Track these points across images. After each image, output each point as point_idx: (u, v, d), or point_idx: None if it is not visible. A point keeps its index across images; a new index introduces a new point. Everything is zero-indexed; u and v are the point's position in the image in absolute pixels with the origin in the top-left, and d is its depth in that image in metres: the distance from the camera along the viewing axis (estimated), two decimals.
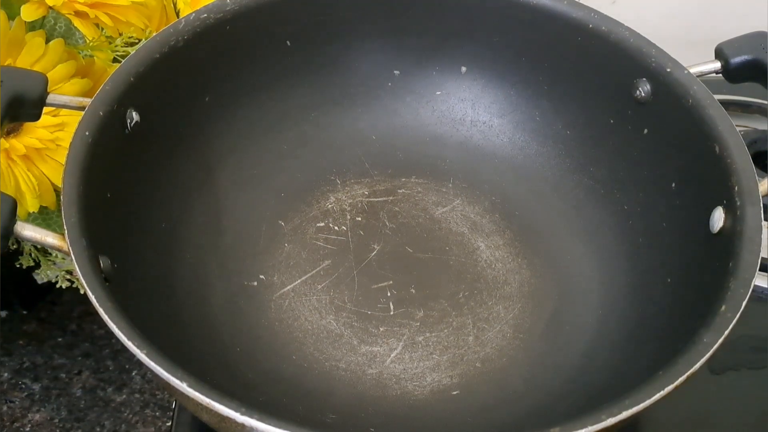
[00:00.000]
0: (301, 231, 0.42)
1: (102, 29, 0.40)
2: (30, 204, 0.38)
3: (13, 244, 0.41)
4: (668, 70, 0.37)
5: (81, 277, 0.29)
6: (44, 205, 0.39)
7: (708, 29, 0.47)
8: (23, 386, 0.44)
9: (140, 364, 0.27)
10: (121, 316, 0.28)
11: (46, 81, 0.35)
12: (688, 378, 0.28)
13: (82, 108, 0.34)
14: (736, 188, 0.33)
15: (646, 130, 0.39)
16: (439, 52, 0.44)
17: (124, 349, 0.28)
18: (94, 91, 0.35)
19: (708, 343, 0.29)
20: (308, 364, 0.37)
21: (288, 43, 0.42)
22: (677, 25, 0.57)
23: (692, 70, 0.37)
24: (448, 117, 0.45)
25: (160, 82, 0.37)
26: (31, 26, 0.40)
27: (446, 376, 0.37)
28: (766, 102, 0.52)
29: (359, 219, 0.43)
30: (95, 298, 0.28)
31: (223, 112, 0.41)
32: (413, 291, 0.40)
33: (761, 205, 0.33)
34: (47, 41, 0.39)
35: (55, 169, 0.38)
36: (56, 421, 0.42)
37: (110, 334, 0.28)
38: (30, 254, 0.42)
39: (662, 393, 0.27)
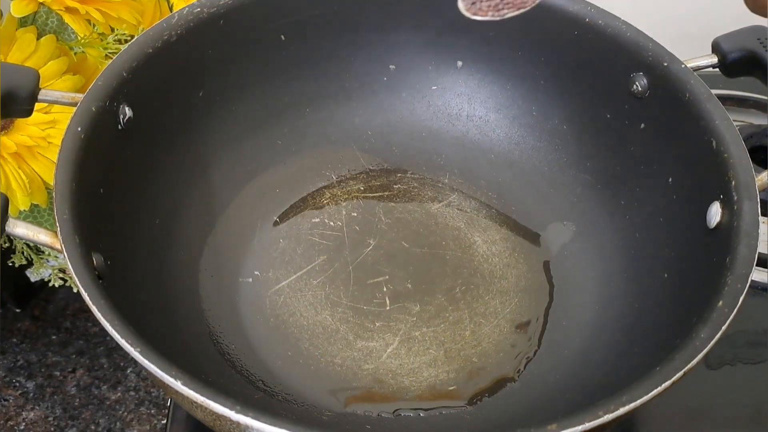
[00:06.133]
0: (296, 227, 0.42)
1: (94, 26, 0.39)
2: (21, 202, 0.38)
3: (5, 242, 0.41)
4: (665, 64, 0.37)
5: (74, 275, 0.29)
6: (35, 202, 0.38)
7: (705, 23, 0.47)
8: (17, 384, 0.43)
9: (135, 361, 0.27)
10: (114, 314, 0.28)
11: (37, 76, 0.34)
12: (685, 374, 0.28)
13: (74, 104, 0.34)
14: (733, 183, 0.33)
15: (642, 125, 0.39)
16: (435, 47, 0.44)
17: (119, 346, 0.27)
18: (87, 87, 0.34)
19: (705, 338, 0.29)
20: (304, 360, 0.37)
21: (282, 37, 0.42)
22: (674, 18, 0.57)
23: (689, 65, 0.37)
24: (444, 112, 0.45)
25: (153, 78, 0.37)
26: (23, 22, 0.39)
27: (443, 372, 0.37)
28: (763, 97, 0.52)
29: (355, 214, 0.42)
30: (88, 295, 0.28)
31: (217, 107, 0.41)
32: (409, 286, 0.40)
33: (758, 200, 0.33)
34: (39, 37, 0.39)
35: (46, 167, 0.38)
36: (51, 419, 0.42)
37: (104, 332, 0.28)
38: (22, 252, 0.42)
39: (659, 389, 0.27)
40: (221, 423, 0.27)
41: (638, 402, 0.27)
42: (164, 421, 0.40)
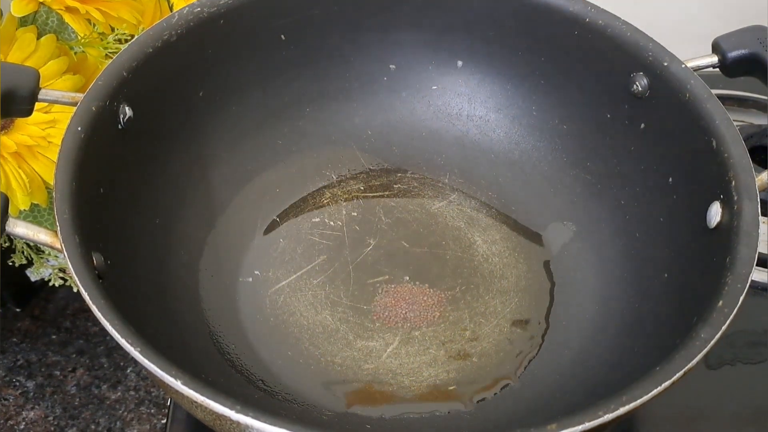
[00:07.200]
0: (297, 226, 0.42)
1: (94, 25, 0.39)
2: (21, 201, 0.38)
3: (5, 242, 0.41)
4: (665, 64, 0.37)
5: (74, 275, 0.29)
6: (35, 202, 0.38)
7: (705, 23, 0.47)
8: (17, 384, 0.43)
9: (135, 361, 0.27)
10: (114, 313, 0.28)
11: (38, 76, 0.34)
12: (685, 374, 0.28)
13: (74, 103, 0.34)
14: (733, 183, 0.33)
15: (642, 125, 0.39)
16: (435, 47, 0.44)
17: (119, 346, 0.27)
18: (87, 87, 0.34)
19: (705, 338, 0.29)
20: (304, 359, 0.37)
21: (282, 37, 0.41)
22: (674, 18, 0.57)
23: (689, 65, 0.37)
24: (444, 112, 0.45)
25: (153, 77, 0.37)
26: (23, 21, 0.39)
27: (443, 371, 0.37)
28: (763, 97, 0.52)
29: (355, 214, 0.42)
30: (88, 295, 0.28)
31: (217, 107, 0.41)
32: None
33: (758, 200, 0.33)
34: (39, 37, 0.39)
35: (46, 166, 0.38)
36: (51, 418, 0.42)
37: (104, 332, 0.28)
38: (23, 252, 0.42)
39: (659, 389, 0.27)
40: (221, 423, 0.27)
41: (638, 402, 0.27)
42: (164, 421, 0.40)
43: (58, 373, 0.44)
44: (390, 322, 0.38)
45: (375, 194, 0.43)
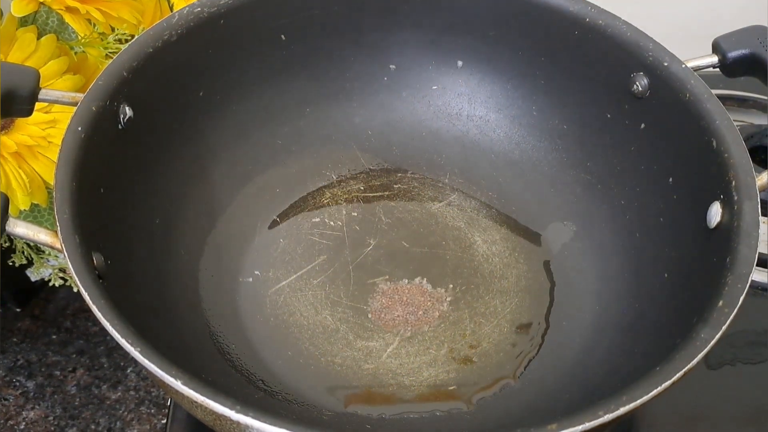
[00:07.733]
0: (297, 226, 0.42)
1: (94, 25, 0.39)
2: (21, 201, 0.38)
3: (5, 242, 0.41)
4: (665, 64, 0.37)
5: (74, 274, 0.29)
6: (35, 202, 0.39)
7: (705, 23, 0.47)
8: (17, 384, 0.43)
9: (135, 361, 0.27)
10: (114, 313, 0.28)
11: (38, 76, 0.34)
12: (685, 374, 0.28)
13: (74, 103, 0.34)
14: (734, 183, 0.33)
15: (643, 125, 0.39)
16: (436, 47, 0.44)
17: (119, 346, 0.28)
18: (87, 87, 0.34)
19: (705, 338, 0.29)
20: (304, 359, 0.37)
21: (282, 37, 0.42)
22: (674, 18, 0.57)
23: (689, 65, 0.37)
24: (445, 112, 0.45)
25: (153, 77, 0.37)
26: (23, 21, 0.39)
27: (443, 371, 0.37)
28: (763, 97, 0.52)
29: (355, 214, 0.42)
30: (89, 295, 0.28)
31: (217, 107, 0.41)
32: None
33: (758, 200, 0.33)
34: (39, 37, 0.39)
35: (46, 166, 0.38)
36: (51, 418, 0.42)
37: (105, 332, 0.28)
38: (23, 252, 0.42)
39: (659, 389, 0.27)
40: (221, 423, 0.27)
41: (638, 402, 0.27)
42: (164, 421, 0.40)
43: (58, 373, 0.44)
44: (390, 322, 0.38)
45: (375, 194, 0.43)
